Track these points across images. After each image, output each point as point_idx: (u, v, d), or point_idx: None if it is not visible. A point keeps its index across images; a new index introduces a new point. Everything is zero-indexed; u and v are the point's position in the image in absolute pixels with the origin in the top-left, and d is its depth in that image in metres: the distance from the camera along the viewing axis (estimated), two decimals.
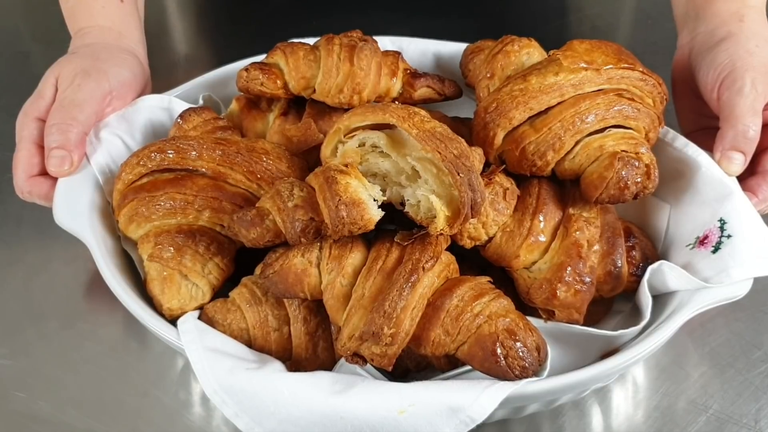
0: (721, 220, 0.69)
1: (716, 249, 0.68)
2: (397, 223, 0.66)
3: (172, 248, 0.68)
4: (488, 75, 0.76)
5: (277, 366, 0.63)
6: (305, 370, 0.64)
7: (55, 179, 0.74)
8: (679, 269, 0.67)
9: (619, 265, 0.70)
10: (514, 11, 1.32)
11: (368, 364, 0.61)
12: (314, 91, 0.79)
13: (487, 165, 0.72)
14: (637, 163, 0.67)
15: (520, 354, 0.59)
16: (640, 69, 0.72)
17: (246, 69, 0.79)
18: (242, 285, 0.69)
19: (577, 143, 0.70)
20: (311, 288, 0.64)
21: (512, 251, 0.68)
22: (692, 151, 0.75)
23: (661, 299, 0.69)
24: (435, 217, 0.60)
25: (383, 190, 0.63)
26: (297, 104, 0.83)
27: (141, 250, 0.70)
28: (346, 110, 0.71)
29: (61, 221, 0.72)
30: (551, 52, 0.73)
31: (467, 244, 0.69)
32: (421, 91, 0.82)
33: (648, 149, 0.70)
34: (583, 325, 0.67)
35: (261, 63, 0.80)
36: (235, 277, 0.71)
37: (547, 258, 0.68)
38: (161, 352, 0.78)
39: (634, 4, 1.39)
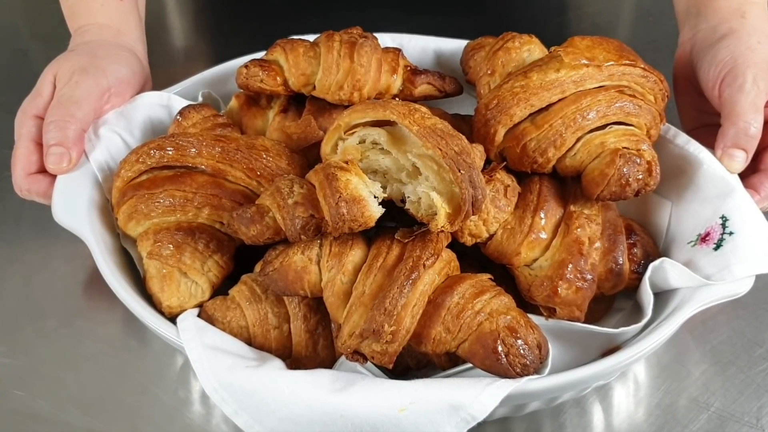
0: (722, 217, 0.69)
1: (718, 246, 0.68)
2: (398, 221, 0.66)
3: (171, 246, 0.68)
4: (489, 72, 0.76)
5: (277, 364, 0.63)
6: (305, 368, 0.64)
7: (53, 177, 0.74)
8: (680, 266, 0.66)
9: (621, 262, 0.70)
10: (514, 9, 1.32)
11: (368, 362, 0.61)
12: (314, 87, 0.79)
13: (487, 162, 0.71)
14: (638, 160, 0.67)
15: (521, 351, 0.58)
16: (642, 65, 0.72)
17: (245, 66, 0.79)
18: (242, 282, 0.69)
19: (578, 140, 0.69)
20: (311, 285, 0.64)
21: (513, 248, 0.68)
22: (694, 148, 0.74)
23: (662, 296, 0.69)
24: (436, 214, 0.60)
25: (384, 187, 0.63)
26: (297, 101, 0.82)
27: (140, 247, 0.70)
28: (346, 107, 0.71)
29: (60, 219, 0.71)
30: (552, 48, 0.73)
31: (468, 241, 0.69)
32: (422, 88, 0.81)
33: (649, 146, 0.69)
34: (584, 322, 0.67)
35: (261, 60, 0.80)
36: (234, 275, 0.71)
37: (548, 255, 0.68)
38: (161, 350, 0.78)
39: (634, 1, 1.38)
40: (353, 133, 0.64)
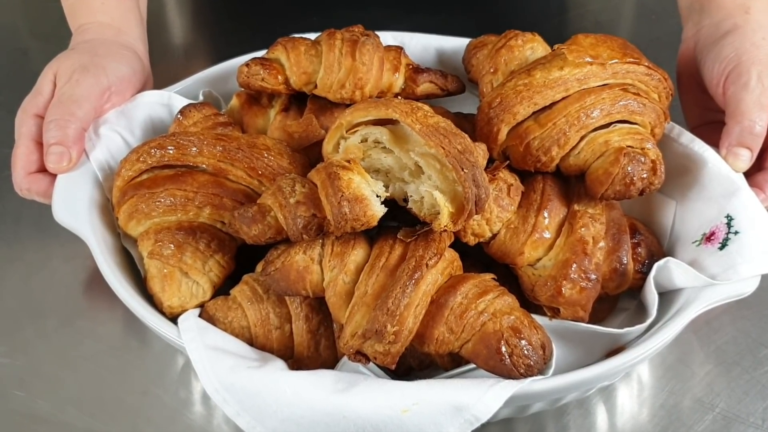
0: (728, 216, 0.68)
1: (723, 245, 0.67)
2: (400, 220, 0.65)
3: (172, 245, 0.68)
4: (491, 70, 0.75)
5: (279, 364, 0.63)
6: (307, 369, 0.63)
7: (54, 176, 0.74)
8: (685, 266, 0.66)
9: (625, 262, 0.69)
10: (516, 7, 1.31)
11: (371, 363, 0.61)
12: (316, 86, 0.78)
13: (490, 161, 0.71)
14: (643, 159, 0.66)
15: (525, 352, 0.58)
16: (646, 63, 0.71)
17: (247, 64, 0.78)
18: (243, 282, 0.69)
19: (582, 138, 0.69)
20: (313, 285, 0.63)
21: (516, 248, 0.68)
22: (698, 146, 0.74)
23: (667, 296, 0.69)
24: (438, 213, 0.59)
25: (386, 186, 0.62)
26: (298, 100, 0.82)
27: (141, 247, 0.70)
28: (348, 106, 0.71)
29: (60, 218, 0.71)
30: (556, 46, 0.73)
31: (471, 240, 0.68)
32: (424, 86, 0.81)
33: (654, 145, 0.69)
34: (588, 322, 0.67)
35: (262, 58, 0.80)
36: (236, 275, 0.71)
37: (552, 255, 0.68)
38: (161, 351, 0.78)
39: None
40: (355, 131, 0.64)
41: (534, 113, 0.70)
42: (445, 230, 0.60)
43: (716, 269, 0.66)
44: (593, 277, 0.66)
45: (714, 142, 0.74)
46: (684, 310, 0.64)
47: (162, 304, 0.67)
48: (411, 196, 0.62)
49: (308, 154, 0.76)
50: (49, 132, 0.73)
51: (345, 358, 0.64)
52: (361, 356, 0.60)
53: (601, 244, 0.68)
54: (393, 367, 0.59)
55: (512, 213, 0.69)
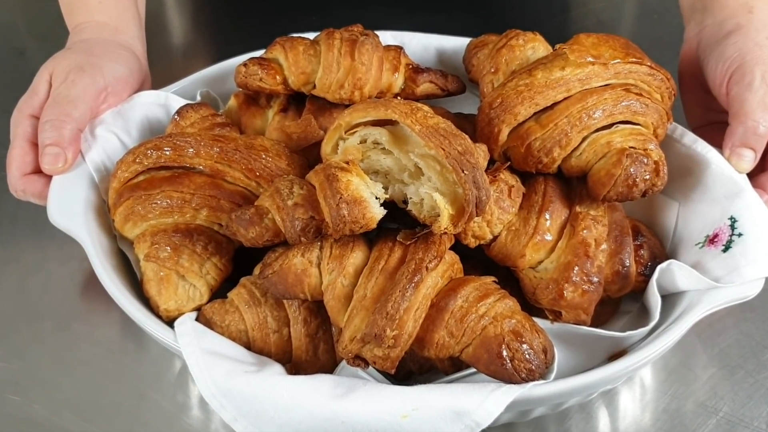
0: (731, 218, 0.68)
1: (727, 248, 0.66)
2: (400, 222, 0.65)
3: (168, 248, 0.67)
4: (492, 70, 0.74)
5: (277, 369, 0.62)
6: (305, 373, 0.63)
7: (49, 177, 0.73)
8: (688, 269, 0.65)
9: (627, 264, 0.69)
10: (517, 7, 1.31)
11: (370, 367, 0.60)
12: (314, 86, 0.78)
13: (491, 162, 0.70)
14: (645, 160, 0.66)
15: (527, 356, 0.57)
16: (648, 63, 0.71)
17: (244, 64, 0.78)
18: (241, 285, 0.68)
19: (584, 139, 0.68)
20: (311, 288, 0.63)
21: (518, 250, 0.67)
22: (701, 147, 0.73)
23: (669, 299, 0.68)
24: (438, 215, 0.59)
25: (385, 188, 0.62)
26: (297, 100, 0.82)
27: (137, 249, 0.69)
28: (347, 106, 0.71)
29: (56, 220, 0.70)
30: (557, 46, 0.72)
31: (471, 243, 0.68)
32: (424, 86, 0.81)
33: (656, 146, 0.68)
34: (590, 325, 0.66)
35: (260, 58, 0.79)
36: (233, 278, 0.70)
37: (553, 257, 0.67)
38: (158, 354, 0.77)
39: None
40: (354, 132, 0.63)
41: (535, 114, 0.69)
42: (446, 232, 0.60)
43: (720, 272, 0.65)
44: (595, 279, 0.65)
45: (716, 143, 0.73)
46: (687, 313, 0.63)
47: (158, 308, 0.66)
48: (411, 197, 0.61)
49: (307, 156, 0.76)
50: (44, 133, 0.72)
51: (344, 362, 0.63)
52: (360, 361, 0.59)
53: (604, 246, 0.67)
54: (392, 371, 0.59)
55: (513, 215, 0.68)
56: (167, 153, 0.69)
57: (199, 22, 1.39)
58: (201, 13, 1.40)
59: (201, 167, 0.70)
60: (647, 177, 0.66)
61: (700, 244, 0.70)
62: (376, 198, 0.61)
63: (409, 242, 0.62)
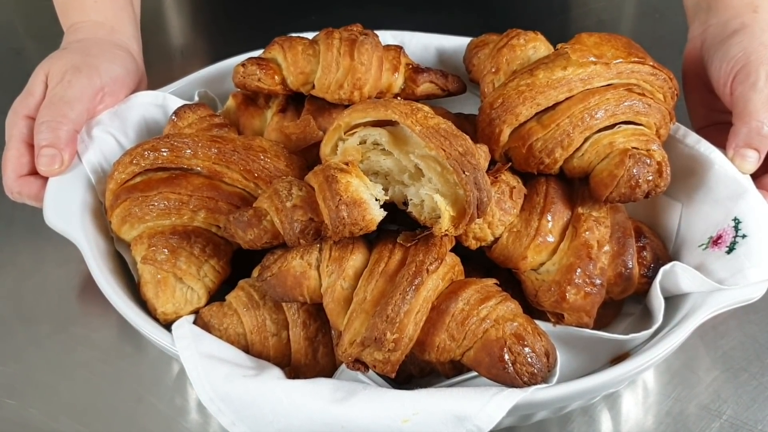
0: (735, 219, 0.67)
1: (731, 249, 0.66)
2: (400, 224, 0.64)
3: (166, 250, 0.66)
4: (493, 70, 0.74)
5: (276, 373, 0.62)
6: (305, 377, 0.63)
7: (45, 179, 0.73)
8: (692, 270, 0.65)
9: (630, 266, 0.68)
10: (517, 6, 1.31)
11: (370, 371, 0.59)
12: (313, 86, 0.77)
13: (492, 163, 0.70)
14: (648, 161, 0.65)
15: (529, 360, 0.57)
16: (651, 63, 0.70)
17: (243, 64, 0.77)
18: (239, 288, 0.68)
19: (586, 140, 0.68)
20: (311, 291, 0.62)
21: (519, 252, 0.66)
22: (704, 148, 0.73)
23: (673, 301, 0.67)
24: (439, 217, 0.58)
25: (385, 189, 0.61)
26: (295, 101, 0.81)
27: (134, 252, 0.69)
28: (346, 107, 0.70)
29: (52, 222, 0.70)
30: (559, 45, 0.71)
31: (472, 245, 0.67)
32: (424, 86, 0.80)
33: (659, 146, 0.68)
34: (593, 328, 0.66)
35: (258, 58, 0.79)
36: (231, 280, 0.70)
37: (555, 259, 0.66)
38: (156, 357, 0.77)
39: None
40: (353, 133, 0.62)
41: (537, 114, 0.69)
42: (446, 234, 0.59)
43: (724, 274, 0.65)
44: (598, 282, 0.65)
45: (720, 143, 0.73)
46: (691, 315, 0.62)
47: (156, 311, 0.66)
48: (411, 199, 0.61)
49: (306, 157, 0.75)
50: (40, 134, 0.72)
51: (343, 365, 0.63)
52: (360, 364, 0.59)
53: (606, 248, 0.67)
54: (393, 375, 0.58)
55: (515, 216, 0.67)
56: (164, 154, 0.69)
57: (197, 23, 1.38)
58: (199, 13, 1.40)
59: (199, 168, 0.69)
60: (650, 178, 0.65)
61: (704, 246, 0.69)
62: (376, 199, 0.60)
63: (409, 244, 0.61)
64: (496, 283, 0.63)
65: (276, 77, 0.77)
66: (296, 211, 0.59)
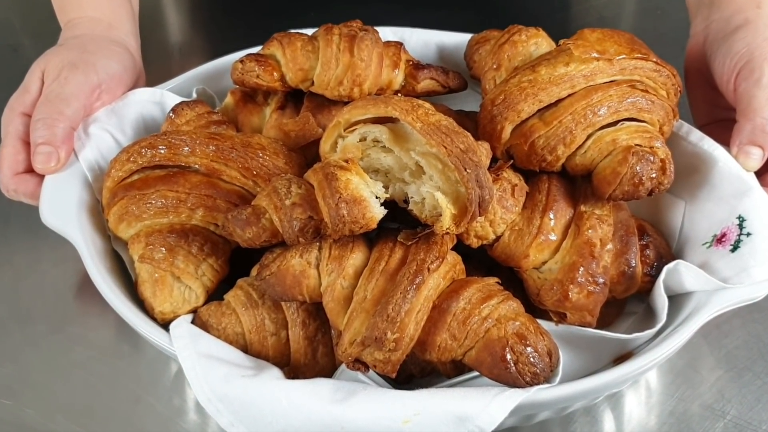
0: (739, 217, 0.67)
1: (735, 247, 0.65)
2: (401, 222, 0.64)
3: (163, 249, 0.66)
4: (494, 66, 0.73)
5: (275, 373, 0.61)
6: (304, 377, 0.63)
7: (41, 177, 0.72)
8: (696, 269, 0.64)
9: (633, 264, 0.67)
10: (517, 3, 1.30)
11: (370, 371, 0.59)
12: (312, 83, 0.77)
13: (494, 160, 0.69)
14: (651, 158, 0.64)
15: (531, 359, 0.56)
16: (654, 59, 0.69)
17: (241, 61, 0.77)
18: (237, 287, 0.67)
19: (588, 137, 0.67)
20: (310, 290, 0.62)
21: (521, 251, 0.66)
22: (708, 145, 0.72)
23: (676, 300, 0.67)
24: (440, 215, 0.57)
25: (386, 187, 0.61)
26: (294, 97, 0.81)
27: (132, 250, 0.68)
28: (346, 103, 0.69)
29: (48, 221, 0.69)
30: (561, 41, 0.71)
31: (474, 243, 0.67)
32: (425, 83, 0.79)
33: (663, 143, 0.67)
34: (595, 327, 0.65)
35: (257, 54, 0.78)
36: (230, 279, 0.69)
37: (558, 258, 0.66)
38: (154, 357, 0.77)
39: None
40: (353, 130, 0.62)
41: (539, 111, 0.68)
42: (448, 233, 0.58)
43: (728, 272, 0.64)
44: (601, 280, 0.64)
45: (723, 140, 0.72)
46: (695, 314, 0.62)
47: (153, 310, 0.65)
48: (412, 197, 0.60)
49: (305, 154, 0.75)
50: (36, 131, 0.71)
51: (343, 365, 0.62)
52: (360, 364, 0.58)
53: (609, 246, 0.66)
54: (393, 375, 0.58)
55: (516, 214, 0.67)
56: (162, 151, 0.68)
57: (195, 19, 1.38)
58: (198, 10, 1.39)
59: (197, 166, 0.68)
60: (654, 175, 0.64)
61: (708, 244, 0.69)
62: (377, 197, 0.59)
63: (410, 243, 0.61)
64: (497, 282, 0.62)
65: (275, 74, 0.77)
66: (295, 209, 0.59)
